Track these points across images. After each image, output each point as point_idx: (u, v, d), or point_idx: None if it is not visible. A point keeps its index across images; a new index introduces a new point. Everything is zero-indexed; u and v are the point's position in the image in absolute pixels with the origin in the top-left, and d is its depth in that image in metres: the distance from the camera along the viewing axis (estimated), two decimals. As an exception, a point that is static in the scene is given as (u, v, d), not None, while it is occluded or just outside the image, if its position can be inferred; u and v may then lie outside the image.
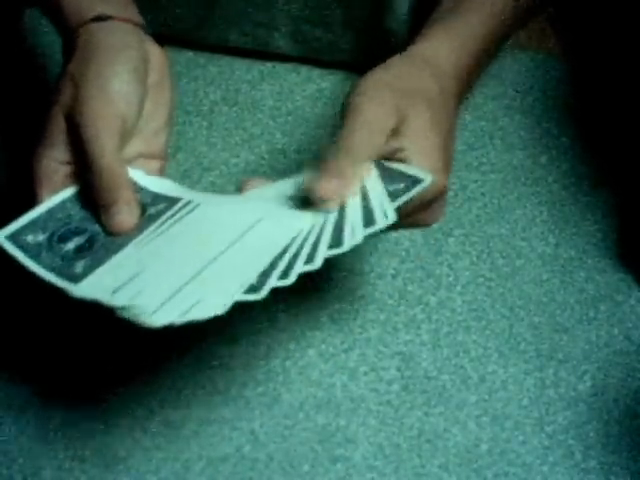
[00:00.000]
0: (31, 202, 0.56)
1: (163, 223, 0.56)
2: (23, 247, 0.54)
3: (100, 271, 0.53)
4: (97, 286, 0.52)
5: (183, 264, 0.53)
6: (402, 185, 0.54)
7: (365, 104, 0.55)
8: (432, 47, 0.61)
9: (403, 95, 0.57)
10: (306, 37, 0.77)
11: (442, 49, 0.61)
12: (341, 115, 0.56)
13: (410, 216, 0.57)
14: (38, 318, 0.66)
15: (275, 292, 0.69)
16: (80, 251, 0.54)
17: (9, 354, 0.65)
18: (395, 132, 0.55)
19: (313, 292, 0.69)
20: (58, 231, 0.55)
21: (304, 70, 0.79)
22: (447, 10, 0.64)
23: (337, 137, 0.55)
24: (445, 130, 0.58)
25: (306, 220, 0.55)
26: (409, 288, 0.70)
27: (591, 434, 0.65)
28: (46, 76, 0.77)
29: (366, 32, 0.75)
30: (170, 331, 0.67)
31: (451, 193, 0.74)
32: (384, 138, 0.55)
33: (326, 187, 0.54)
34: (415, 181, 0.54)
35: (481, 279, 0.70)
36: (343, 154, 0.54)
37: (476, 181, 0.75)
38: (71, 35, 0.58)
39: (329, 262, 0.70)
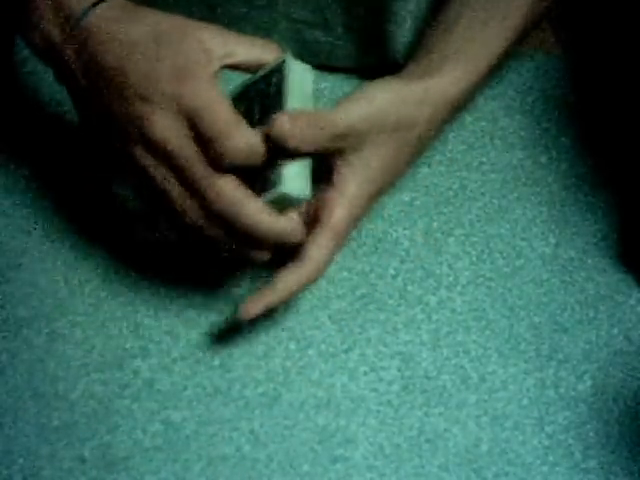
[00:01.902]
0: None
1: None
2: None
3: None
4: None
5: None
6: None
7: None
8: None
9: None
10: (306, 40, 0.77)
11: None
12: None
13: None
14: (38, 314, 0.67)
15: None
16: None
17: (9, 354, 0.65)
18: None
19: (313, 292, 0.69)
20: None
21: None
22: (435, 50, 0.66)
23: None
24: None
25: None
26: (409, 288, 0.70)
27: (591, 434, 0.65)
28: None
29: (366, 35, 0.75)
30: (170, 331, 0.67)
31: (451, 193, 0.74)
32: None
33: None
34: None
35: (481, 279, 0.70)
36: None
37: (476, 181, 0.75)
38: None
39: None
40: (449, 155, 0.76)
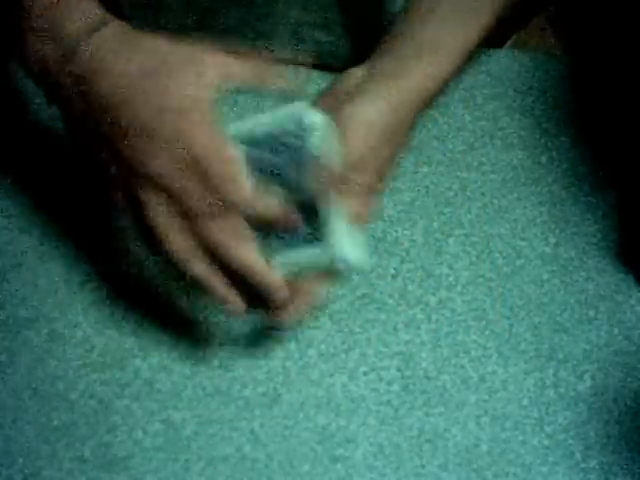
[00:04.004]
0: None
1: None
2: None
3: None
4: None
5: None
6: None
7: None
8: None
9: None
10: (306, 41, 0.77)
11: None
12: None
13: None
14: (38, 315, 0.67)
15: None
16: None
17: (9, 354, 0.65)
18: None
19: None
20: None
21: (304, 70, 0.79)
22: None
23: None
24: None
25: None
26: (409, 288, 0.70)
27: (591, 434, 0.65)
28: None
29: (366, 35, 0.75)
30: (170, 331, 0.67)
31: (451, 193, 0.74)
32: None
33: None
34: None
35: (481, 279, 0.70)
36: None
37: (476, 181, 0.75)
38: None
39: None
40: (449, 155, 0.76)
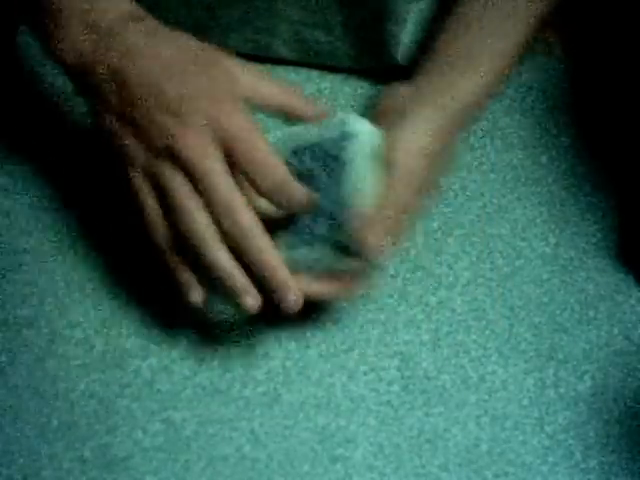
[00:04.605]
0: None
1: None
2: None
3: None
4: None
5: None
6: None
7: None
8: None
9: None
10: (306, 41, 0.76)
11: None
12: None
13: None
14: (38, 315, 0.67)
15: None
16: None
17: (9, 353, 0.65)
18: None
19: (313, 292, 0.69)
20: None
21: (304, 70, 0.79)
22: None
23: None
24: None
25: None
26: (409, 288, 0.70)
27: (591, 434, 0.65)
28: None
29: (366, 36, 0.75)
30: (170, 331, 0.67)
31: (451, 193, 0.74)
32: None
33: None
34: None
35: (481, 279, 0.70)
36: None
37: (476, 181, 0.75)
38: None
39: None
40: (449, 155, 0.76)
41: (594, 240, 0.73)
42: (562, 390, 0.66)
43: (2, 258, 0.68)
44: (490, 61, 0.68)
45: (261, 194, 0.58)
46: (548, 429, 0.65)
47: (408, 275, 0.70)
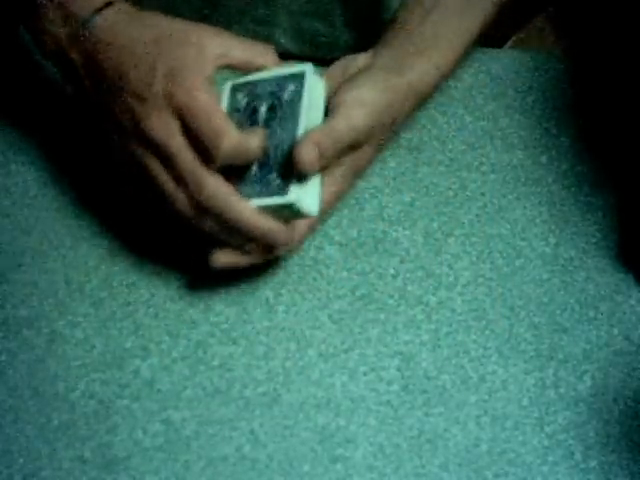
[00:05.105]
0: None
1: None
2: None
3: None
4: None
5: None
6: None
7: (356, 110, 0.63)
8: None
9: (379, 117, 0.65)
10: (306, 33, 0.77)
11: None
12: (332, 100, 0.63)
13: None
14: (38, 314, 0.67)
15: (275, 292, 0.69)
16: None
17: (9, 354, 0.65)
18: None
19: (313, 292, 0.69)
20: None
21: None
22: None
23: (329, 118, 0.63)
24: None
25: None
26: (409, 288, 0.70)
27: (591, 434, 0.65)
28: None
29: (365, 27, 0.75)
30: (170, 331, 0.67)
31: (451, 193, 0.74)
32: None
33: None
34: None
35: (481, 279, 0.70)
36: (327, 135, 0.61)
37: (476, 181, 0.75)
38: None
39: (330, 260, 0.70)
40: (449, 155, 0.76)
41: (594, 240, 0.73)
42: (562, 390, 0.66)
43: (2, 258, 0.69)
44: (452, 40, 0.69)
45: (217, 161, 0.60)
46: (548, 429, 0.65)
47: (408, 275, 0.70)
